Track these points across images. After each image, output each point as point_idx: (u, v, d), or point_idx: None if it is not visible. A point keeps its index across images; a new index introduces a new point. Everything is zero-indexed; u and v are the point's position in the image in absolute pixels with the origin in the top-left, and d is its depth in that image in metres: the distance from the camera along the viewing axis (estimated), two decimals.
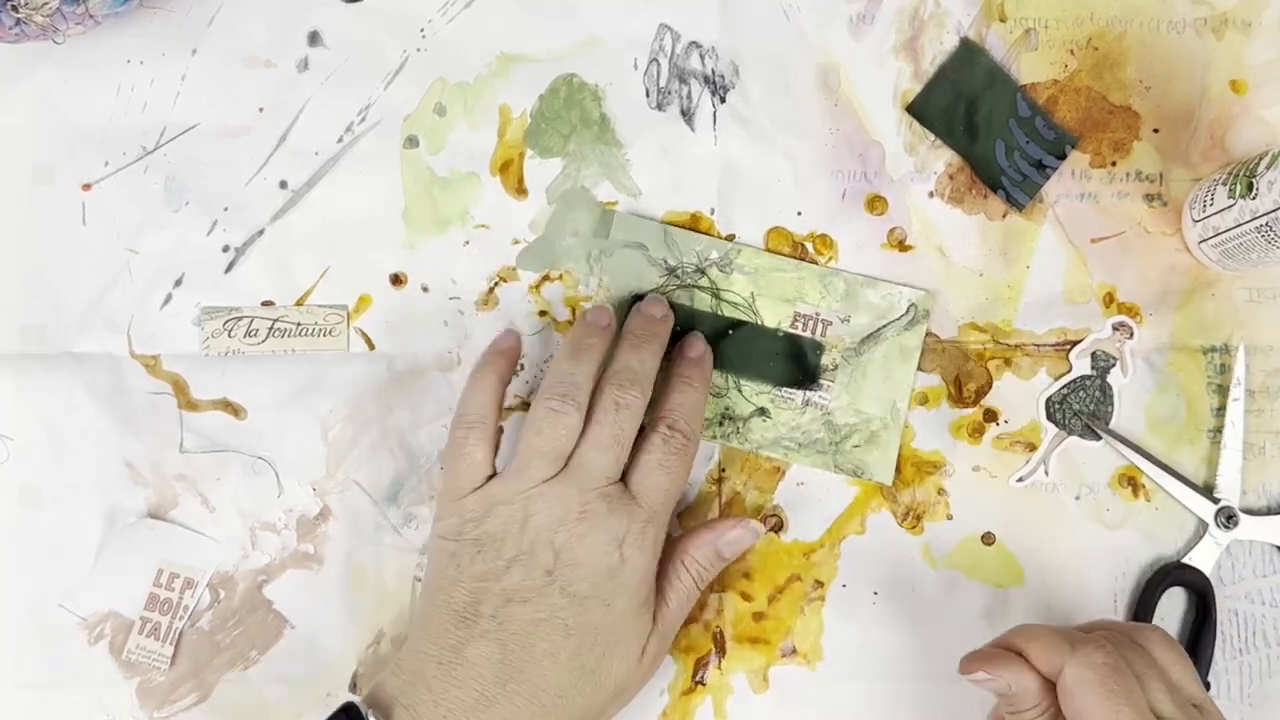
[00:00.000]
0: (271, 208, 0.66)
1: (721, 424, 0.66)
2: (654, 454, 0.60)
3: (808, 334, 0.66)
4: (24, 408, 0.65)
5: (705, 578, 0.62)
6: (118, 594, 0.64)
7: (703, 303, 0.66)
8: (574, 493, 0.58)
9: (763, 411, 0.66)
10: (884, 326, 0.66)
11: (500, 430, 0.63)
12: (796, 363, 0.66)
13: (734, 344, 0.66)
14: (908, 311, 0.66)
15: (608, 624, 0.57)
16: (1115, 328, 0.64)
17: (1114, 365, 0.64)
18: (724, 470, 0.66)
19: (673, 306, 0.65)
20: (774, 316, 0.66)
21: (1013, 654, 0.54)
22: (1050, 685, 0.53)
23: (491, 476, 0.60)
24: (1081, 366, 0.64)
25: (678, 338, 0.65)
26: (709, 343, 0.65)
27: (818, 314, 0.66)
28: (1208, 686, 0.64)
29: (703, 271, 0.66)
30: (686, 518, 0.66)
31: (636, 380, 0.60)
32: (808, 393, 0.66)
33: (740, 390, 0.66)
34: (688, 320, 0.66)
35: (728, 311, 0.66)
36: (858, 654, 0.65)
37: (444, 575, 0.59)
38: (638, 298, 0.65)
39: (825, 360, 0.66)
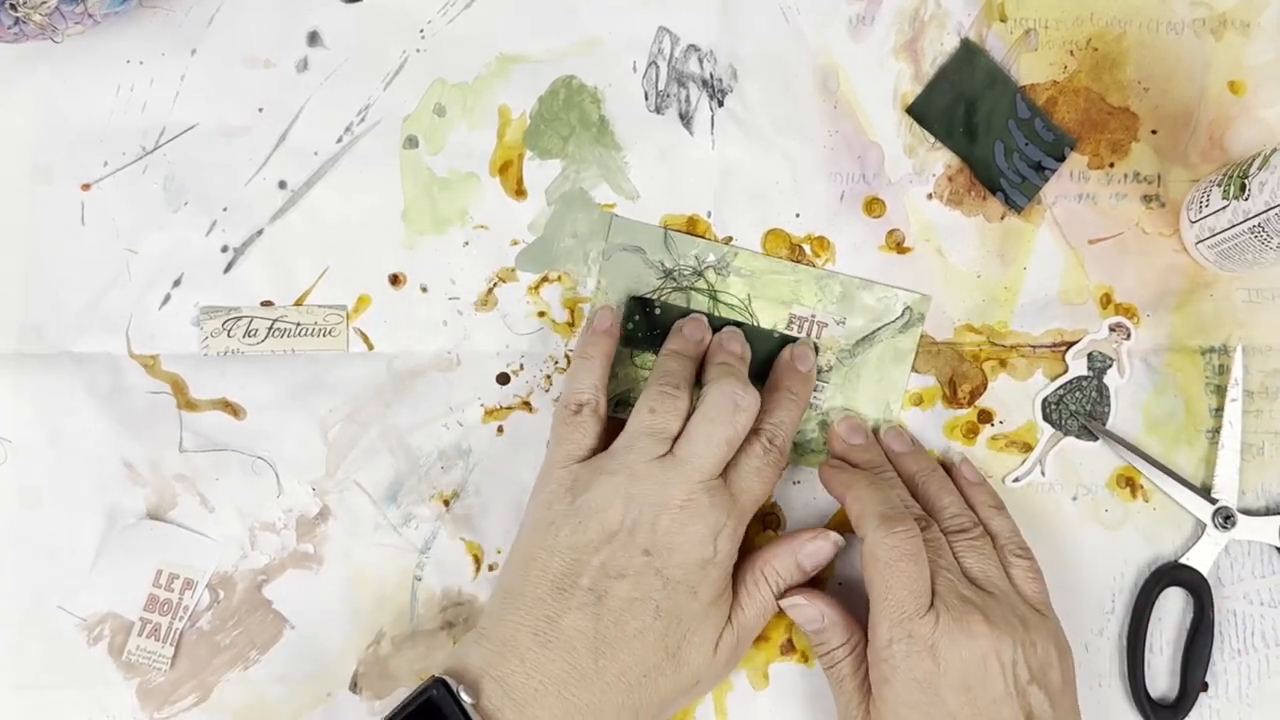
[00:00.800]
0: (271, 208, 0.66)
1: None
2: (754, 461, 0.61)
3: (803, 336, 0.66)
4: (23, 408, 0.65)
5: (783, 588, 0.62)
6: (117, 595, 0.64)
7: (700, 305, 0.66)
8: (679, 480, 0.58)
9: None
10: (879, 329, 0.66)
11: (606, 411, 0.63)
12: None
13: None
14: (903, 314, 0.66)
15: (692, 611, 0.58)
16: (1112, 328, 0.64)
17: (1111, 366, 0.64)
18: None
19: (670, 308, 0.66)
20: (770, 318, 0.66)
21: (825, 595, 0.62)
22: (860, 625, 0.61)
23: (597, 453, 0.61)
24: (1078, 367, 0.64)
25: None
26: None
27: (813, 316, 0.66)
28: (1205, 687, 0.64)
29: (700, 274, 0.66)
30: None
31: (751, 385, 0.61)
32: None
33: None
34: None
35: (724, 313, 0.66)
36: None
37: (541, 545, 0.59)
38: (638, 299, 0.66)
39: (820, 362, 0.66)
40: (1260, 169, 0.58)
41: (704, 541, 0.58)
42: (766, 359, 0.66)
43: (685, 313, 0.66)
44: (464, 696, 0.54)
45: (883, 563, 0.58)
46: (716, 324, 0.66)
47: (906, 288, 0.66)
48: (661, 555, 0.58)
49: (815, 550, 0.62)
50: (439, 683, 0.55)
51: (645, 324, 0.66)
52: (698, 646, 0.58)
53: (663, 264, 0.66)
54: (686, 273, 0.66)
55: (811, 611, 0.61)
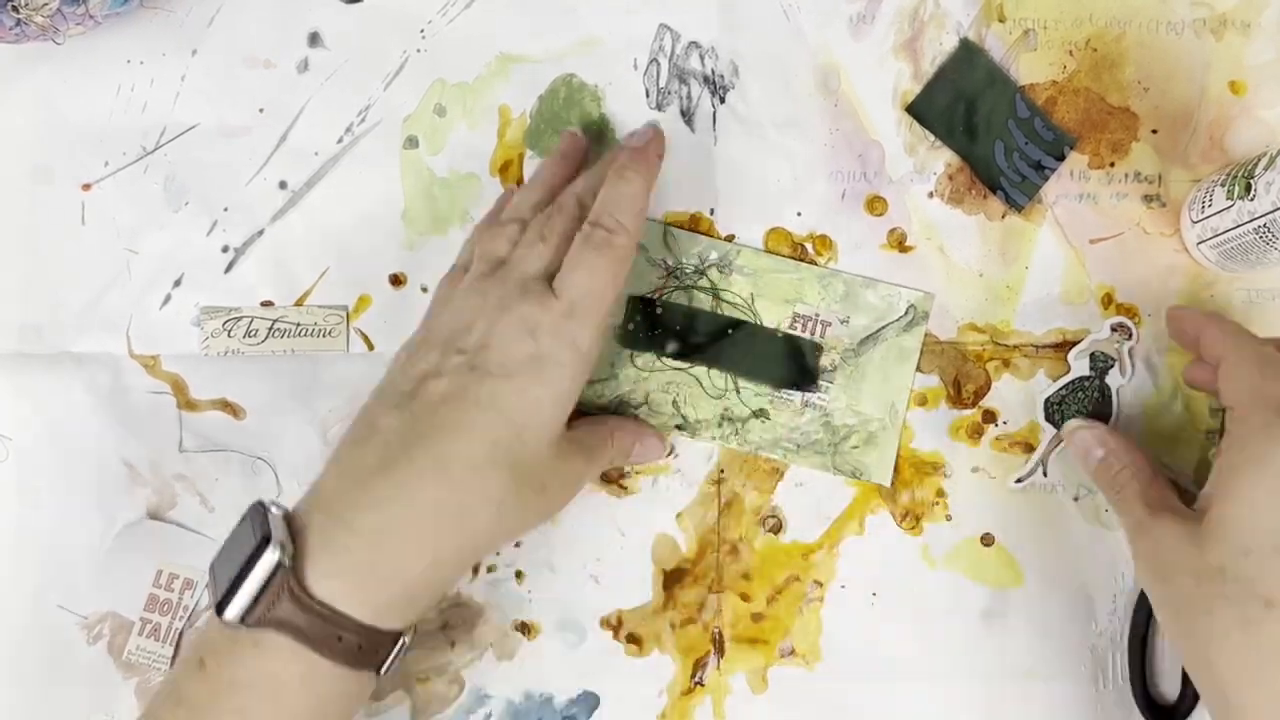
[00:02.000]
0: (271, 208, 0.66)
1: (720, 425, 0.66)
2: (574, 252, 0.58)
3: (807, 335, 0.66)
4: (23, 407, 0.65)
5: (618, 461, 0.64)
6: (117, 594, 0.64)
7: (702, 303, 0.66)
8: (495, 286, 0.58)
9: (762, 413, 0.66)
10: (883, 328, 0.66)
11: None
12: (795, 364, 0.66)
13: (733, 344, 0.66)
14: (907, 313, 0.66)
15: (522, 406, 0.55)
16: (1114, 328, 0.64)
17: (1113, 366, 0.63)
18: (723, 471, 0.66)
19: (671, 307, 0.65)
20: (773, 317, 0.66)
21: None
22: (1136, 450, 0.60)
23: None
24: (1080, 368, 0.64)
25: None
26: (710, 341, 0.65)
27: (817, 315, 0.66)
28: None
29: (702, 272, 0.66)
30: (684, 517, 0.66)
31: (585, 194, 0.60)
32: (806, 394, 0.66)
33: (739, 392, 0.66)
34: (686, 319, 0.66)
35: (727, 312, 0.66)
36: (856, 655, 0.65)
37: (387, 370, 0.59)
38: (638, 299, 0.66)
39: (824, 361, 0.66)
40: (1267, 169, 0.58)
41: (519, 336, 0.56)
42: (771, 360, 0.66)
43: (688, 312, 0.66)
44: (272, 508, 0.53)
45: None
46: (720, 323, 0.66)
47: (909, 286, 0.66)
48: (479, 354, 0.56)
49: (651, 447, 0.65)
50: (257, 504, 0.54)
51: (646, 324, 0.66)
52: (537, 444, 0.56)
53: (665, 262, 0.66)
54: (689, 271, 0.66)
55: (1089, 438, 0.61)
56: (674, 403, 0.65)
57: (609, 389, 0.66)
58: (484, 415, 0.54)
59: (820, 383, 0.66)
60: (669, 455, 0.66)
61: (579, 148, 0.65)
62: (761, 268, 0.66)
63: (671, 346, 0.65)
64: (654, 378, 0.66)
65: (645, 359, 0.66)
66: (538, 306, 0.56)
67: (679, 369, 0.66)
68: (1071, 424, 0.63)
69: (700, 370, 0.66)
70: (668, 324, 0.66)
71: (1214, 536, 0.52)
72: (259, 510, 0.53)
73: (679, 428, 0.66)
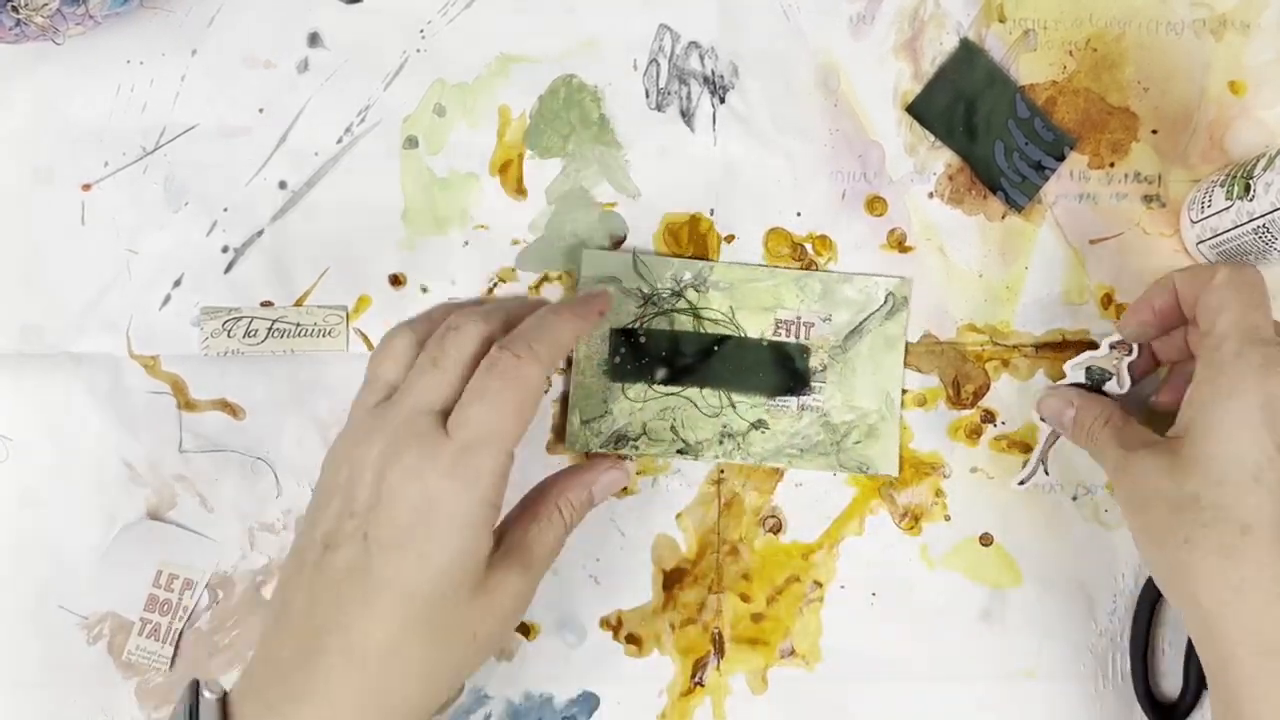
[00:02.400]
0: (271, 208, 0.66)
1: (722, 443, 0.65)
2: (475, 380, 0.52)
3: (792, 339, 0.66)
4: (24, 408, 0.65)
5: (577, 520, 0.57)
6: (117, 594, 0.64)
7: (684, 325, 0.66)
8: (384, 424, 0.52)
9: (760, 424, 0.66)
10: (865, 319, 0.66)
11: None
12: (785, 370, 0.66)
13: (721, 360, 0.66)
14: (886, 300, 0.66)
15: (424, 576, 0.50)
16: (1113, 346, 0.63)
17: (1110, 379, 0.63)
18: (723, 471, 0.66)
19: (654, 334, 0.65)
20: (756, 327, 0.66)
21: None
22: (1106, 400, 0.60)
23: None
24: (1076, 376, 0.64)
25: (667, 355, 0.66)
26: (698, 362, 0.65)
27: (799, 318, 0.66)
28: (1205, 685, 0.64)
29: (679, 294, 0.66)
30: (684, 517, 0.66)
31: (494, 317, 0.55)
32: (801, 397, 0.66)
33: (734, 407, 0.66)
34: (671, 343, 0.66)
35: (709, 329, 0.66)
36: (856, 655, 0.65)
37: (294, 540, 0.55)
38: (620, 331, 0.66)
39: (813, 362, 0.66)
40: (1266, 169, 0.58)
41: (408, 493, 0.50)
42: (760, 369, 0.66)
43: (672, 336, 0.66)
44: (205, 693, 0.51)
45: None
46: (705, 342, 0.66)
47: (885, 274, 0.66)
48: (371, 515, 0.51)
49: (611, 482, 0.59)
50: (192, 683, 0.52)
51: (632, 355, 0.66)
52: (449, 598, 0.51)
53: (640, 290, 0.66)
54: (665, 295, 0.66)
55: (1057, 402, 0.61)
56: (672, 428, 0.65)
57: (604, 425, 0.65)
58: (388, 592, 0.50)
59: (813, 384, 0.66)
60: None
61: (591, 310, 0.58)
62: (737, 279, 0.66)
63: (660, 373, 0.65)
64: (648, 407, 0.66)
65: (636, 390, 0.66)
66: (427, 450, 0.51)
67: (672, 394, 0.66)
68: (1041, 395, 0.62)
69: (693, 391, 0.66)
70: (653, 351, 0.66)
71: (1189, 466, 0.52)
72: (192, 691, 0.51)
73: (681, 452, 0.66)
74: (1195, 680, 0.64)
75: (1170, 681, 0.65)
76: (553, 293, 0.66)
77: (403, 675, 0.50)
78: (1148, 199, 0.66)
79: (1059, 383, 0.63)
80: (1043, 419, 0.63)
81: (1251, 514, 0.50)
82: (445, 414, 0.52)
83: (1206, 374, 0.53)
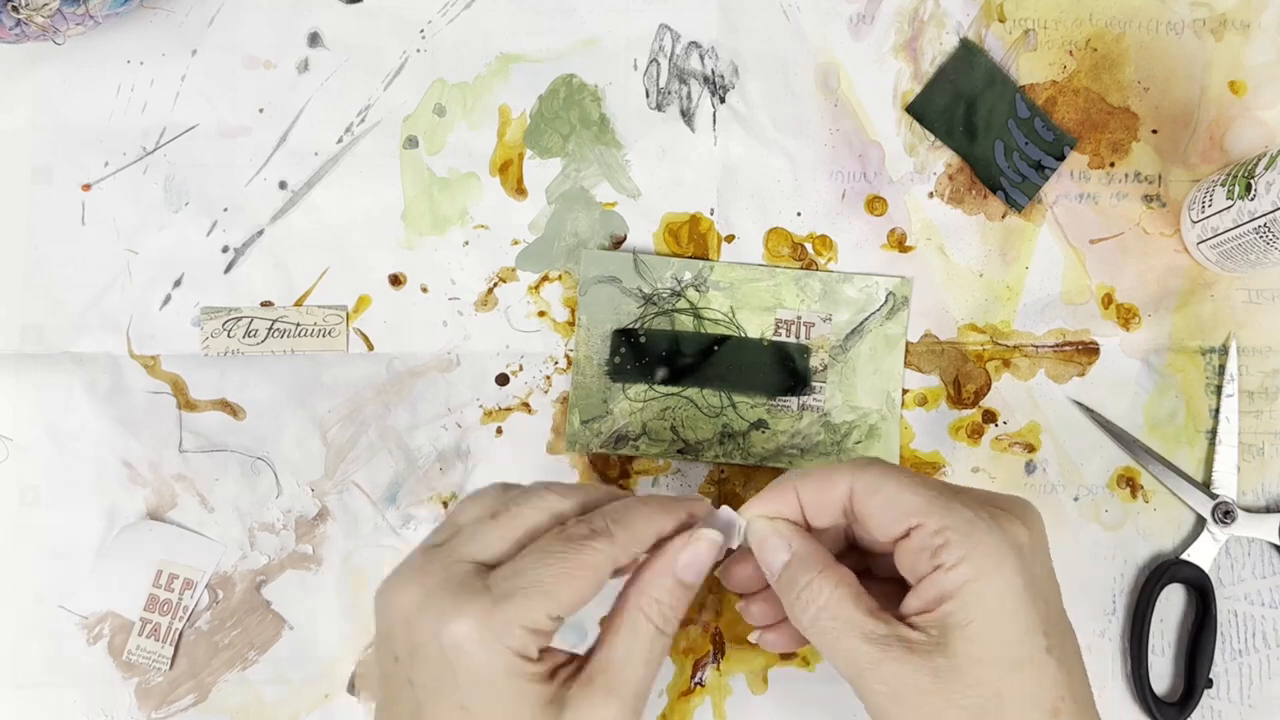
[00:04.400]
0: (271, 208, 0.66)
1: (722, 443, 0.65)
2: (538, 543, 0.49)
3: (792, 339, 0.66)
4: (24, 408, 0.65)
5: (673, 615, 0.50)
6: (117, 594, 0.64)
7: (684, 325, 0.66)
8: (428, 565, 0.49)
9: (761, 424, 0.66)
10: (866, 319, 0.66)
11: None
12: (786, 369, 0.66)
13: (721, 360, 0.66)
14: (886, 300, 0.66)
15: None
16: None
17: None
18: (723, 472, 0.66)
19: (655, 334, 0.65)
20: (756, 327, 0.66)
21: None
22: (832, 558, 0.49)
23: None
24: None
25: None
26: (698, 362, 0.65)
27: (799, 317, 0.66)
28: (1210, 684, 0.64)
29: (679, 294, 0.66)
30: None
31: (573, 494, 0.51)
32: (802, 398, 0.66)
33: (735, 407, 0.65)
34: (671, 343, 0.66)
35: (710, 330, 0.66)
36: None
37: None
38: (621, 332, 0.66)
39: (814, 362, 0.66)
40: (1268, 169, 0.58)
41: (438, 639, 0.46)
42: (759, 369, 0.66)
43: (672, 336, 0.66)
44: None
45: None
46: (705, 341, 0.66)
47: (885, 274, 0.66)
48: (409, 660, 0.48)
49: (692, 558, 0.50)
50: None
51: (633, 355, 0.66)
52: None
53: (640, 290, 0.66)
54: (666, 295, 0.66)
55: (769, 532, 0.50)
56: (672, 428, 0.65)
57: (605, 425, 0.65)
58: None
59: (813, 384, 0.66)
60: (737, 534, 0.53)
61: (680, 510, 0.52)
62: (737, 279, 0.66)
63: (661, 373, 0.65)
64: (649, 407, 0.66)
65: (637, 390, 0.66)
66: (460, 597, 0.47)
67: (672, 394, 0.66)
68: (752, 512, 0.51)
69: (694, 392, 0.66)
70: (653, 352, 0.66)
71: (964, 679, 0.45)
72: None
73: (681, 452, 0.66)
74: (1195, 680, 0.64)
75: (1170, 681, 0.65)
76: (553, 292, 0.66)
77: None
78: (1148, 199, 0.66)
79: (766, 513, 0.51)
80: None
81: (1000, 695, 0.45)
82: (491, 568, 0.48)
83: (950, 562, 0.46)
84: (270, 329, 0.65)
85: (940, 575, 0.46)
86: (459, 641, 0.46)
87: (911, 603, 0.47)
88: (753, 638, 0.54)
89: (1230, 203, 0.60)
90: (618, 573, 0.50)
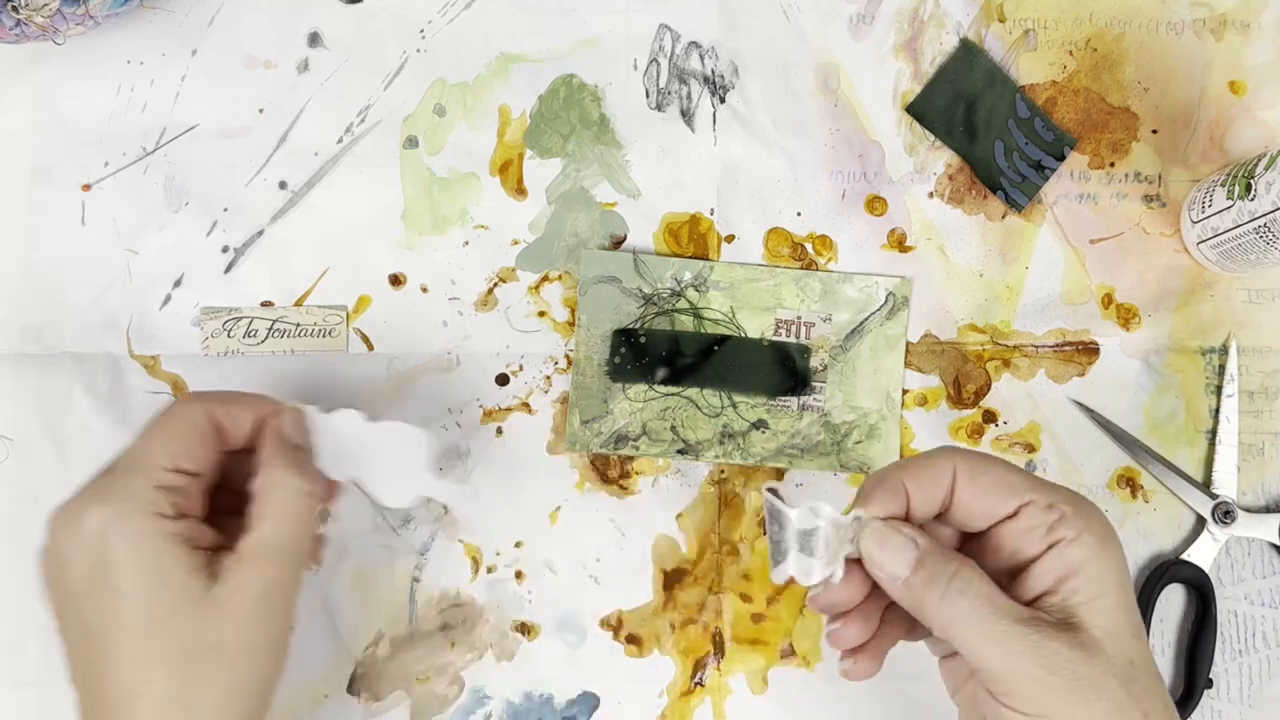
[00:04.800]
0: (271, 208, 0.66)
1: (722, 443, 0.65)
2: None
3: (792, 339, 0.66)
4: (23, 408, 0.65)
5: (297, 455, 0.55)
6: None
7: (684, 325, 0.66)
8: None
9: (761, 424, 0.66)
10: (866, 319, 0.66)
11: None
12: (786, 369, 0.66)
13: (721, 360, 0.66)
14: (886, 300, 0.66)
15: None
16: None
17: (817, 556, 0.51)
18: (723, 471, 0.66)
19: (655, 334, 0.65)
20: (756, 327, 0.66)
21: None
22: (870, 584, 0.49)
23: None
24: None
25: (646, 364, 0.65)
26: (698, 362, 0.65)
27: (799, 317, 0.66)
28: (1210, 683, 0.64)
29: (679, 294, 0.66)
30: (684, 517, 0.66)
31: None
32: (802, 397, 0.66)
33: (735, 407, 0.65)
34: (671, 343, 0.66)
35: (710, 330, 0.66)
36: None
37: None
38: (621, 331, 0.65)
39: (814, 362, 0.66)
40: (1268, 169, 0.58)
41: (79, 534, 0.52)
42: (759, 368, 0.65)
43: (672, 336, 0.66)
44: None
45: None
46: (705, 341, 0.66)
47: (885, 274, 0.66)
48: (62, 584, 0.53)
49: (291, 421, 0.56)
50: None
51: (632, 355, 0.66)
52: (178, 632, 0.51)
53: (640, 290, 0.66)
54: (665, 295, 0.66)
55: (896, 538, 0.48)
56: (672, 428, 0.65)
57: (605, 425, 0.65)
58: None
59: (813, 384, 0.66)
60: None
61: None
62: (737, 279, 0.66)
63: (661, 373, 0.65)
64: (649, 407, 0.65)
65: (637, 390, 0.66)
66: (86, 498, 0.53)
67: (672, 394, 0.66)
68: (866, 519, 0.49)
69: (693, 392, 0.66)
70: (653, 351, 0.66)
71: (1104, 652, 0.46)
72: None
73: (681, 452, 0.65)
74: (1195, 679, 0.64)
75: (1170, 681, 0.65)
76: (553, 292, 0.66)
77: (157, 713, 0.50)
78: (1148, 199, 0.66)
79: (880, 517, 0.49)
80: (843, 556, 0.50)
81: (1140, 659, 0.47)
82: None
83: (1063, 545, 0.47)
84: (270, 329, 0.65)
85: (1061, 550, 0.47)
86: (95, 526, 0.51)
87: (1032, 584, 0.48)
88: (841, 669, 0.52)
89: (1230, 203, 0.60)
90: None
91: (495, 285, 0.66)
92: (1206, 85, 0.67)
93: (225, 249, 0.66)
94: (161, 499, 0.52)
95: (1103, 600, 0.47)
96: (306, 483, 0.54)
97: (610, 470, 0.66)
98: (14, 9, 0.58)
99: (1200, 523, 0.65)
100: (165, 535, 0.51)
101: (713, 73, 0.66)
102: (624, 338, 0.65)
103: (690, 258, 0.66)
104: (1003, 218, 0.66)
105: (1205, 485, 0.65)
